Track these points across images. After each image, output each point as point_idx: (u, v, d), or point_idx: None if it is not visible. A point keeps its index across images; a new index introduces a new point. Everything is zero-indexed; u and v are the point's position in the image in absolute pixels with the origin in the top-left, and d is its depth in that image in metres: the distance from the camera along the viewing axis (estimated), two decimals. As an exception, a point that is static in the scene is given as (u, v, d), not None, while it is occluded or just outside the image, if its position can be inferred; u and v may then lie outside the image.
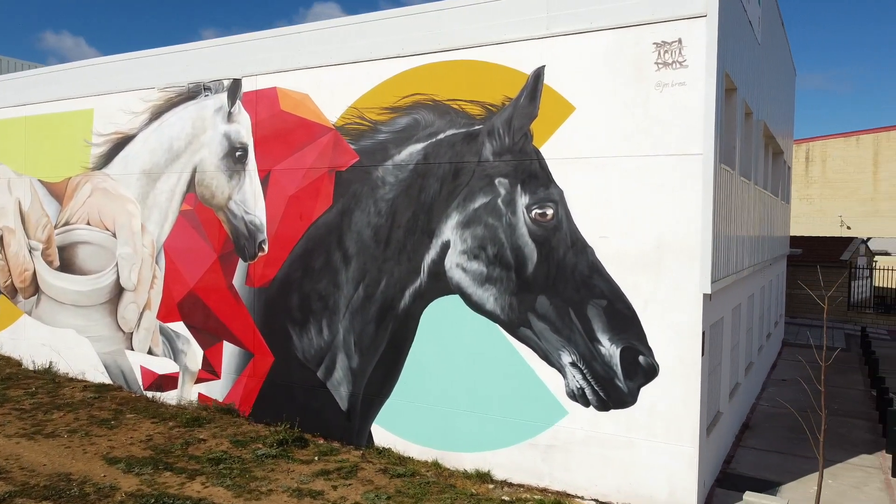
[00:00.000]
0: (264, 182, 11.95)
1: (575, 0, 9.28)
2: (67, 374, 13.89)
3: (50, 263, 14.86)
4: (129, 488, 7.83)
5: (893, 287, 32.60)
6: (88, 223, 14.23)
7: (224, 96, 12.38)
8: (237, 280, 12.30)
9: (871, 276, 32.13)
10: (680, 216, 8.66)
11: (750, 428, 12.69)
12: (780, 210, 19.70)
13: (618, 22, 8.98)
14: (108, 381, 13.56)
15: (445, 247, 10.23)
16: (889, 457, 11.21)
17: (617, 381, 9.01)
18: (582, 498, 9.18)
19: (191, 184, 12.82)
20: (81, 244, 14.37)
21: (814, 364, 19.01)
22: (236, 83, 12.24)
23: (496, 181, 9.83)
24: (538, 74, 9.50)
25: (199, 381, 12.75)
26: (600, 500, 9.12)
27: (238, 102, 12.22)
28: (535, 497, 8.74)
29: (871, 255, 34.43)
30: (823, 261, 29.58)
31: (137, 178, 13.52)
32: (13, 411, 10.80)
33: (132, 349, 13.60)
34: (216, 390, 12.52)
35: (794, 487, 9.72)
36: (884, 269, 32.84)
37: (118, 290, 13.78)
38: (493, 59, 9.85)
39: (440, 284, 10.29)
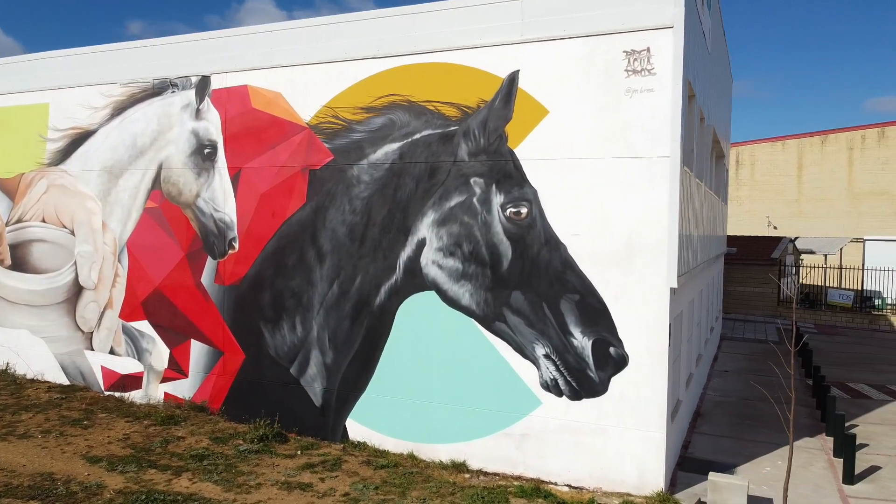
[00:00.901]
0: (235, 180, 11.94)
1: (548, 8, 9.71)
2: (26, 374, 13.48)
3: (1, 262, 14.37)
4: (115, 486, 7.79)
5: (818, 284, 34.58)
6: (44, 220, 13.86)
7: (192, 93, 12.30)
8: (206, 278, 12.24)
9: (797, 273, 34.00)
10: (648, 215, 9.18)
11: (701, 415, 13.44)
12: (721, 210, 20.78)
13: (590, 30, 9.45)
14: (67, 381, 13.25)
15: (421, 244, 10.50)
16: (830, 439, 12.10)
17: (589, 372, 9.48)
18: (556, 483, 9.61)
19: (156, 181, 12.67)
20: (36, 242, 13.97)
21: (751, 356, 20.15)
22: (205, 80, 12.18)
23: (471, 181, 10.17)
24: (513, 78, 9.88)
25: (165, 380, 12.61)
26: (573, 485, 9.57)
27: (207, 99, 12.16)
28: (514, 484, 9.11)
29: (797, 253, 36.41)
30: (756, 259, 31.19)
31: (98, 174, 13.26)
32: None
33: (92, 349, 13.32)
34: (183, 389, 12.42)
35: (749, 468, 10.41)
36: (808, 267, 34.82)
37: (77, 289, 13.47)
38: (469, 63, 10.18)
39: (416, 281, 10.55)
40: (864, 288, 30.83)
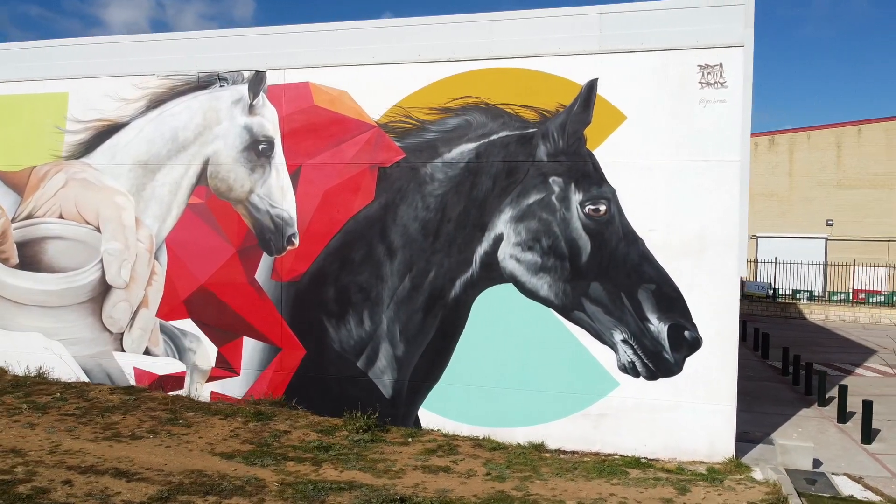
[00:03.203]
0: (294, 176, 11.98)
1: (626, 23, 10.63)
2: (59, 378, 12.68)
3: (5, 261, 13.45)
4: (271, 478, 7.83)
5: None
6: (61, 216, 13.14)
7: (243, 88, 12.19)
8: (261, 274, 12.17)
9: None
10: (719, 212, 10.30)
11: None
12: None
13: (666, 45, 10.46)
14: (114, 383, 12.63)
15: (498, 239, 11.11)
16: (823, 409, 13.85)
17: (665, 354, 10.48)
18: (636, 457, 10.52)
19: (201, 176, 12.43)
20: (51, 239, 13.22)
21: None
22: (259, 75, 12.12)
23: (550, 179, 10.90)
24: (592, 85, 10.71)
25: (211, 378, 12.39)
26: (649, 457, 10.52)
27: (262, 95, 12.11)
28: (615, 457, 9.95)
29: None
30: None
31: (130, 168, 12.78)
32: (66, 416, 9.89)
33: (122, 350, 12.81)
34: (234, 387, 12.26)
35: (780, 435, 11.80)
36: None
37: (103, 289, 12.89)
38: (547, 69, 10.91)
39: (492, 274, 11.14)
40: (757, 279, 34.60)
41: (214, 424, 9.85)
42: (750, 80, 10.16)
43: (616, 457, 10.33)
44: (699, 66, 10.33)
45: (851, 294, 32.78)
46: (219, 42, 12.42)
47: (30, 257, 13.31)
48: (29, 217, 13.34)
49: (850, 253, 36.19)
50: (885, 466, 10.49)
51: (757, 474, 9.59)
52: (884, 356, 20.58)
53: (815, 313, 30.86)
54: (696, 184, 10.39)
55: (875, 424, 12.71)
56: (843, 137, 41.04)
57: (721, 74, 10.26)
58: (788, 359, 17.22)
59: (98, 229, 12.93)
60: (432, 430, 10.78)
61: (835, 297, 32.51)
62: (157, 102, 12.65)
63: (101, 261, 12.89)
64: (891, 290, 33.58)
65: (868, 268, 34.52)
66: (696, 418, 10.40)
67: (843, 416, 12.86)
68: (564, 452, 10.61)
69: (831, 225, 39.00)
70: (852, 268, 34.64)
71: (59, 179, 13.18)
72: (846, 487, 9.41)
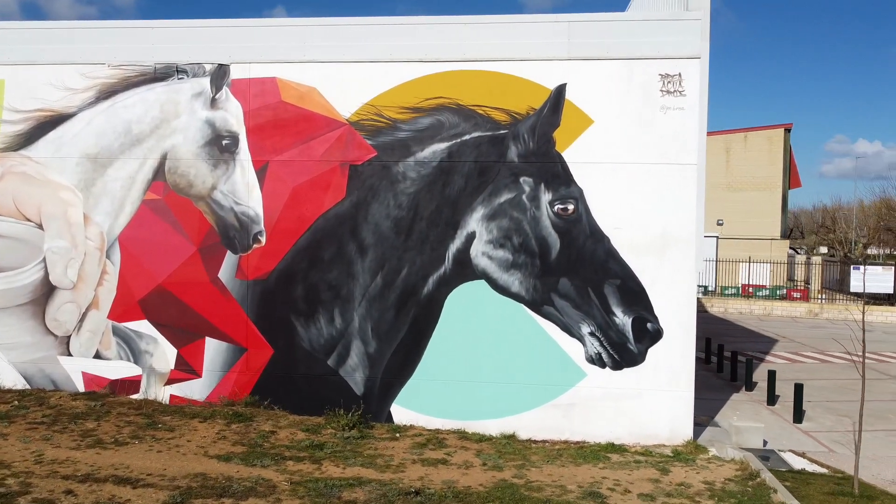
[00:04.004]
0: (261, 173, 11.76)
1: (593, 32, 11.20)
2: (2, 385, 11.73)
3: (-71, 260, 12.36)
4: (278, 478, 7.71)
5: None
6: (-4, 213, 12.24)
7: (205, 81, 11.84)
8: (224, 273, 11.87)
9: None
10: (679, 212, 11.07)
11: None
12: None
13: (629, 54, 11.10)
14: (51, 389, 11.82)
15: (471, 237, 11.40)
16: (751, 393, 15.10)
17: (629, 345, 11.14)
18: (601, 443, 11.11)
19: (158, 171, 11.95)
20: (-17, 237, 12.28)
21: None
22: (222, 69, 11.80)
23: (521, 179, 11.31)
24: (560, 90, 11.21)
25: (170, 381, 11.95)
26: (615, 442, 11.14)
27: (225, 89, 11.80)
28: (588, 444, 10.48)
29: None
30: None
31: (77, 162, 12.09)
32: (36, 425, 9.19)
33: (69, 354, 12.10)
34: (195, 390, 11.88)
35: (722, 417, 12.79)
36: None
37: (46, 290, 12.12)
38: (517, 73, 11.30)
39: (465, 271, 11.42)
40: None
41: (197, 427, 9.55)
42: (706, 89, 10.98)
43: (587, 444, 10.86)
44: (660, 75, 11.04)
45: (740, 289, 35.40)
46: (178, 33, 11.98)
47: (-41, 257, 12.30)
48: (-42, 213, 12.33)
49: (737, 250, 39.08)
50: (819, 442, 11.64)
51: (716, 454, 10.40)
52: (785, 344, 22.54)
53: (716, 306, 33.16)
54: (657, 185, 11.10)
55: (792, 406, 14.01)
56: (731, 144, 44.22)
57: (680, 83, 11.02)
58: (711, 348, 18.55)
59: (40, 226, 12.15)
60: (414, 426, 10.92)
61: (727, 292, 34.99)
62: (108, 93, 12.04)
63: (44, 260, 12.12)
64: (774, 284, 36.59)
65: (754, 264, 37.38)
66: (658, 405, 11.12)
67: (773, 399, 14.09)
68: (535, 442, 11.05)
69: (721, 224, 41.94)
70: (740, 264, 37.36)
71: (-7, 173, 12.26)
72: (795, 462, 10.40)
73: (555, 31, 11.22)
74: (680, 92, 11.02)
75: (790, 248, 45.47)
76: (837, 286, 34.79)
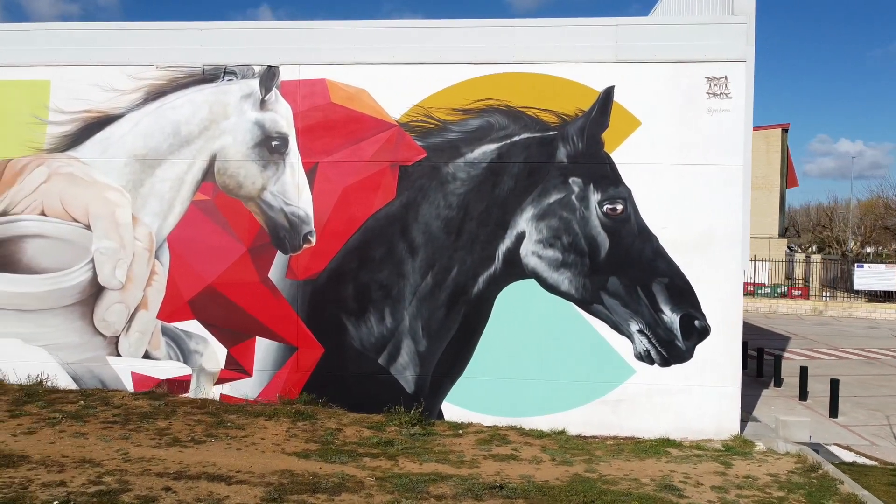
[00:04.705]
0: (310, 174, 11.87)
1: (640, 35, 11.42)
2: (56, 385, 11.73)
3: (-25, 262, 12.35)
4: (362, 475, 7.83)
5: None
6: (43, 213, 12.25)
7: (254, 83, 11.93)
8: (274, 273, 11.96)
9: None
10: (725, 211, 11.31)
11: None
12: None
13: (676, 57, 11.33)
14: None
15: (521, 237, 11.58)
16: (780, 388, 15.40)
17: (677, 342, 11.37)
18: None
19: (207, 172, 12.02)
20: (29, 238, 12.28)
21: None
22: (272, 70, 11.89)
23: (570, 180, 11.51)
24: (608, 92, 11.41)
25: (220, 381, 12.03)
26: (663, 438, 11.36)
27: (275, 90, 11.90)
28: (646, 439, 10.70)
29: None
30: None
31: (125, 163, 12.13)
32: (110, 424, 9.22)
33: (118, 355, 12.14)
34: (245, 388, 11.95)
35: (760, 412, 13.06)
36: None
37: (94, 290, 12.15)
38: (565, 75, 11.49)
39: (515, 270, 11.60)
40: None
41: (265, 426, 9.65)
42: (751, 91, 11.24)
43: (637, 439, 11.08)
44: (706, 77, 11.28)
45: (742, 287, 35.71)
46: (226, 34, 12.06)
47: (5, 258, 12.30)
48: (3, 214, 12.32)
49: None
50: (859, 436, 11.93)
51: (765, 448, 10.65)
52: (798, 341, 22.93)
53: (720, 304, 33.49)
54: (703, 185, 11.34)
55: (825, 401, 14.32)
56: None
57: (726, 86, 11.27)
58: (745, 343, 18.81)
59: (88, 227, 12.18)
60: (472, 423, 11.09)
61: (730, 290, 35.23)
62: (156, 95, 12.09)
63: (92, 261, 12.15)
64: (773, 282, 37.10)
65: (753, 262, 37.85)
66: (705, 400, 11.35)
67: (805, 395, 14.39)
68: (583, 438, 11.24)
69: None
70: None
71: (40, 174, 12.28)
72: (843, 455, 10.68)
73: (602, 35, 11.43)
74: (726, 94, 11.26)
75: (787, 246, 46.07)
76: (839, 284, 35.36)
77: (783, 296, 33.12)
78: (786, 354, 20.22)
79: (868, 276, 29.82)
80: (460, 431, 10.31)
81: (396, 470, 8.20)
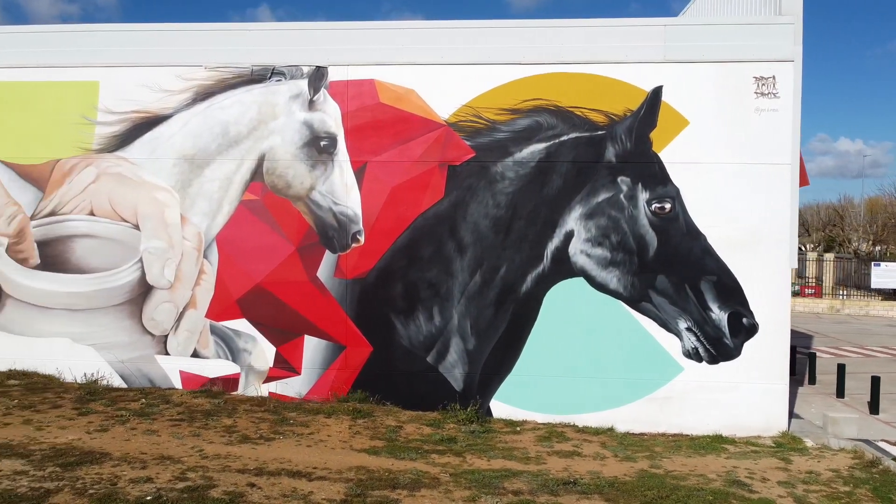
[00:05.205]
0: (359, 173, 11.95)
1: (688, 35, 11.52)
2: (111, 384, 11.80)
3: (24, 261, 12.42)
4: (435, 472, 7.90)
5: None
6: (91, 213, 12.32)
7: (303, 83, 12.01)
8: (323, 272, 12.04)
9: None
10: (772, 209, 11.40)
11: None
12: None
13: (724, 57, 11.42)
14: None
15: (569, 235, 11.67)
16: (814, 386, 15.49)
17: (725, 340, 11.46)
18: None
19: (256, 172, 12.10)
20: (78, 238, 12.36)
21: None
22: (320, 71, 11.97)
23: (618, 179, 11.60)
24: (657, 92, 11.50)
25: (269, 379, 12.10)
26: (710, 434, 11.46)
27: (323, 91, 11.98)
28: (696, 436, 10.79)
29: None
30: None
31: (174, 163, 12.21)
32: (177, 422, 9.35)
33: (166, 353, 12.22)
34: (294, 387, 12.04)
35: (802, 410, 13.15)
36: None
37: (143, 289, 12.23)
38: (613, 75, 11.58)
39: (563, 268, 11.69)
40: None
41: (327, 423, 9.73)
42: (799, 91, 11.33)
43: (685, 436, 11.16)
44: (755, 77, 11.37)
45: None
46: (275, 35, 12.17)
47: (53, 257, 12.38)
48: (52, 214, 12.40)
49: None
50: (904, 432, 12.01)
51: (814, 444, 10.73)
52: (821, 340, 23.02)
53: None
54: (751, 184, 11.43)
55: (861, 398, 14.39)
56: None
57: (774, 86, 11.35)
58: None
59: (136, 227, 12.26)
60: (526, 420, 11.17)
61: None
62: (204, 95, 12.16)
63: (141, 260, 12.23)
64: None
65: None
66: (753, 397, 11.44)
67: (842, 392, 14.48)
68: (632, 435, 11.33)
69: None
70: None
71: (88, 174, 12.35)
72: (893, 451, 10.75)
73: (651, 35, 11.51)
74: (774, 94, 11.35)
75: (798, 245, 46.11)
76: (851, 282, 35.44)
77: (796, 294, 33.18)
78: (813, 352, 20.30)
79: (885, 275, 29.94)
80: (518, 428, 10.40)
81: (466, 466, 8.28)
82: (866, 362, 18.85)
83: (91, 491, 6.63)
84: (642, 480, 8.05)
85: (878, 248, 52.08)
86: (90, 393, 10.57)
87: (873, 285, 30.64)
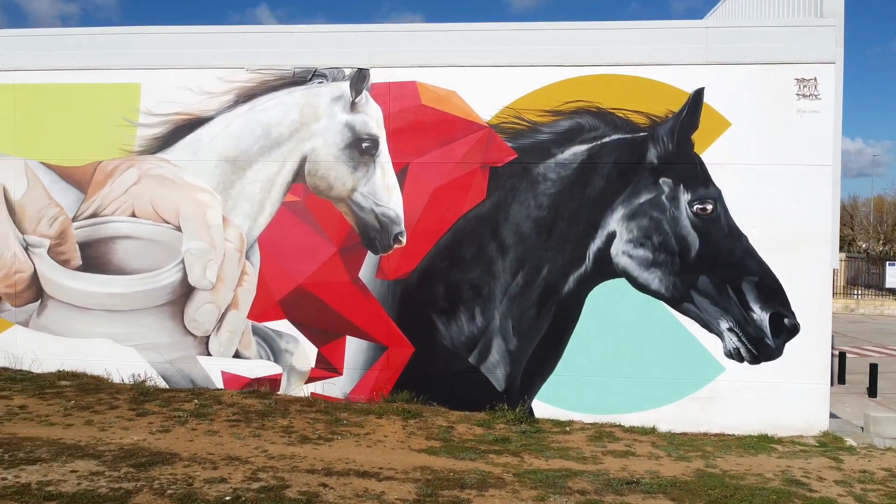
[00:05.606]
0: (401, 175, 12.01)
1: (730, 37, 11.57)
2: (159, 385, 11.85)
3: (65, 263, 12.48)
4: (497, 472, 7.95)
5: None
6: (133, 215, 12.38)
7: (344, 85, 12.06)
8: (365, 273, 12.10)
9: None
10: (813, 211, 11.46)
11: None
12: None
13: (766, 59, 11.48)
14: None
15: (611, 236, 11.74)
16: (844, 386, 15.57)
17: (766, 340, 11.53)
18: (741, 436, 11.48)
19: (298, 174, 12.16)
20: (120, 239, 12.41)
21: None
22: (362, 73, 12.03)
23: (660, 180, 11.66)
24: (699, 94, 11.56)
25: (310, 380, 12.16)
26: (752, 434, 11.52)
27: (365, 93, 12.04)
28: (742, 435, 10.86)
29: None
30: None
31: (216, 165, 12.26)
32: (234, 422, 9.42)
33: (208, 354, 12.28)
34: (336, 387, 12.10)
35: (835, 408, 13.22)
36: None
37: (185, 291, 12.29)
38: (655, 77, 11.64)
39: (605, 269, 11.75)
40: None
41: (381, 424, 9.79)
42: (840, 93, 11.42)
43: (725, 435, 11.23)
44: (796, 79, 11.43)
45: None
46: (317, 37, 12.21)
47: (95, 259, 12.43)
48: (94, 216, 12.46)
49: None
50: (943, 431, 12.07)
51: (856, 443, 10.81)
52: (842, 339, 23.10)
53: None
54: (793, 185, 11.49)
55: (892, 397, 14.50)
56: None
57: (815, 87, 11.42)
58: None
59: (178, 228, 12.31)
60: (573, 420, 11.24)
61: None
62: (246, 97, 12.22)
63: (183, 261, 12.28)
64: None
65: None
66: (794, 397, 11.50)
67: (874, 392, 14.57)
68: (674, 434, 11.39)
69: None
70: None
71: (130, 176, 12.41)
72: (937, 450, 10.81)
73: (693, 37, 11.58)
74: (815, 96, 11.41)
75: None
76: (862, 282, 35.57)
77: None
78: (833, 352, 20.37)
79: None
80: (567, 428, 10.47)
81: (526, 466, 8.35)
82: (891, 362, 18.95)
83: (170, 491, 6.69)
84: (702, 480, 8.12)
85: (885, 247, 52.21)
86: (142, 394, 10.62)
87: (887, 285, 30.75)
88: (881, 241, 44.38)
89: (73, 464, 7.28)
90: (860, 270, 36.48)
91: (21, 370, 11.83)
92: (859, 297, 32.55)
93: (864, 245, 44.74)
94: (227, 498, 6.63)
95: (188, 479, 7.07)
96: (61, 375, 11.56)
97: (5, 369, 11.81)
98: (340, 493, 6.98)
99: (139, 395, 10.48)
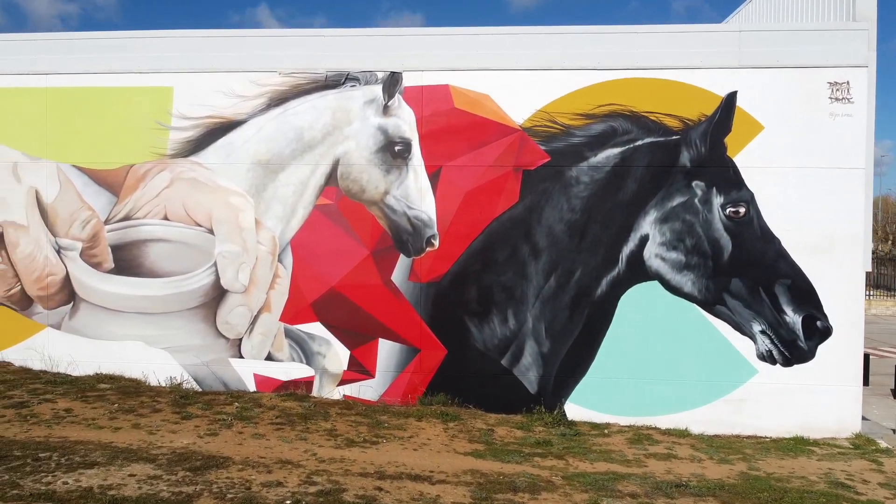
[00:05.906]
0: (433, 178, 12.04)
1: (763, 41, 11.61)
2: (192, 387, 11.91)
3: (97, 265, 12.51)
4: (545, 475, 8.01)
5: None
6: (166, 218, 12.42)
7: (377, 88, 12.10)
8: (397, 276, 12.13)
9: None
10: (846, 213, 11.50)
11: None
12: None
13: (799, 63, 11.53)
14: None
15: (644, 239, 11.78)
16: (869, 388, 15.56)
17: (799, 343, 11.57)
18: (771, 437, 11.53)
19: (330, 177, 12.20)
20: (152, 242, 12.45)
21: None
22: (395, 76, 12.07)
23: (693, 183, 11.70)
24: (732, 97, 11.60)
25: (342, 382, 12.20)
26: (785, 436, 11.57)
27: (398, 96, 12.07)
28: (776, 437, 10.91)
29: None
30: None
31: (248, 168, 12.30)
32: (278, 425, 9.45)
33: (240, 356, 12.32)
34: (368, 390, 12.14)
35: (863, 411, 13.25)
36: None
37: (217, 293, 12.32)
38: (687, 80, 11.69)
39: (638, 272, 11.79)
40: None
41: (422, 427, 9.83)
42: (873, 96, 11.46)
43: (758, 437, 11.28)
44: (829, 82, 11.48)
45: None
46: (349, 41, 12.23)
47: (128, 261, 12.47)
48: (126, 219, 12.49)
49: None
50: (973, 433, 12.13)
51: (890, 446, 10.86)
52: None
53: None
54: (825, 188, 11.53)
55: (921, 399, 14.50)
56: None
57: (848, 91, 11.47)
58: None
59: (211, 231, 12.35)
60: (610, 423, 11.28)
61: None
62: (279, 100, 12.25)
63: (215, 264, 12.32)
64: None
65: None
66: (827, 399, 11.56)
67: (899, 393, 14.60)
68: (710, 436, 11.43)
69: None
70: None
71: (162, 179, 12.44)
72: (974, 452, 10.86)
73: (725, 41, 11.63)
74: (848, 99, 11.46)
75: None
76: (871, 282, 35.59)
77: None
78: (853, 353, 20.43)
79: None
80: (605, 431, 10.51)
81: (572, 469, 8.39)
82: (910, 363, 18.95)
83: (230, 495, 6.72)
84: (749, 483, 8.16)
85: (894, 248, 52.25)
86: (182, 396, 10.66)
87: (900, 286, 30.77)
88: (889, 241, 44.45)
89: (130, 468, 7.31)
90: (875, 270, 36.54)
91: (59, 373, 11.86)
92: (871, 297, 32.57)
93: (874, 244, 44.78)
94: (288, 502, 6.67)
95: (245, 482, 7.10)
96: (99, 378, 11.60)
97: (44, 372, 11.84)
98: (396, 496, 7.02)
99: (179, 398, 10.52)
